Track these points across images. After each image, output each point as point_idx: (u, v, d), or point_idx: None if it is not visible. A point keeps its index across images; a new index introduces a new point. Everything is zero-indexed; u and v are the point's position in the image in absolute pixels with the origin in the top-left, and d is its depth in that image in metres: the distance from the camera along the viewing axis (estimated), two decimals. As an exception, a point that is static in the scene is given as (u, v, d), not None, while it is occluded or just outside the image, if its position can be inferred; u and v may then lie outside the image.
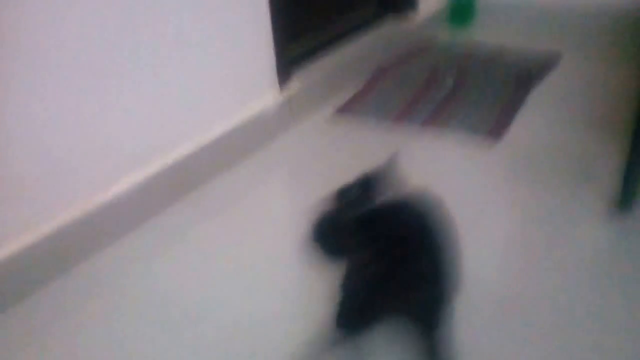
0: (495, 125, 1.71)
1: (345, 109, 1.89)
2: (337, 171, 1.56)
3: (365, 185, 0.95)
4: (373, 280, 0.89)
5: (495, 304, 1.07)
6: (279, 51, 1.70)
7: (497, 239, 1.26)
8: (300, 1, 1.91)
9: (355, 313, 0.94)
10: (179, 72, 1.42)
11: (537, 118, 1.74)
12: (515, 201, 1.38)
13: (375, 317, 0.93)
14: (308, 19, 2.00)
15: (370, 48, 2.18)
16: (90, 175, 1.26)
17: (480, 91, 1.94)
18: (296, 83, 1.81)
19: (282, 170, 1.62)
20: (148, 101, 1.35)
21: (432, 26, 2.56)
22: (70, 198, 1.23)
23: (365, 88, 2.03)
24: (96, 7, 1.19)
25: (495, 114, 1.77)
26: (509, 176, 1.47)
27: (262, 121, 1.68)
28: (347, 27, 2.17)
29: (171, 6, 1.35)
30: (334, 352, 0.98)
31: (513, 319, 1.04)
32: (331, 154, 1.65)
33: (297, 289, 1.17)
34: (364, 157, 1.60)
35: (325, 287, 0.98)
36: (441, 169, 1.54)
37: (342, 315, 0.95)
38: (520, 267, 1.16)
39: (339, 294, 0.94)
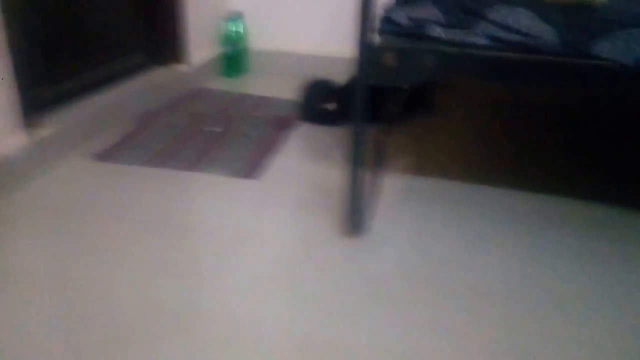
0: (252, 166, 1.84)
1: (106, 155, 1.88)
2: (92, 217, 1.54)
3: None
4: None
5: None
6: (23, 94, 1.64)
7: (255, 262, 1.35)
8: (53, 46, 1.88)
9: None
10: None
11: (289, 159, 1.92)
12: (266, 229, 1.49)
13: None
14: (64, 64, 1.96)
15: (138, 95, 2.21)
16: None
17: (244, 136, 2.08)
18: (48, 127, 1.75)
19: (32, 218, 1.54)
20: None
21: (203, 75, 2.68)
22: None
23: (128, 134, 2.04)
24: None
25: (253, 156, 1.91)
26: (258, 208, 1.60)
27: (4, 166, 1.59)
28: (111, 73, 2.17)
29: None
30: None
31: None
32: (88, 201, 1.62)
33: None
34: (122, 202, 1.60)
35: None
36: (202, 205, 1.61)
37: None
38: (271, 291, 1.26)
39: None
